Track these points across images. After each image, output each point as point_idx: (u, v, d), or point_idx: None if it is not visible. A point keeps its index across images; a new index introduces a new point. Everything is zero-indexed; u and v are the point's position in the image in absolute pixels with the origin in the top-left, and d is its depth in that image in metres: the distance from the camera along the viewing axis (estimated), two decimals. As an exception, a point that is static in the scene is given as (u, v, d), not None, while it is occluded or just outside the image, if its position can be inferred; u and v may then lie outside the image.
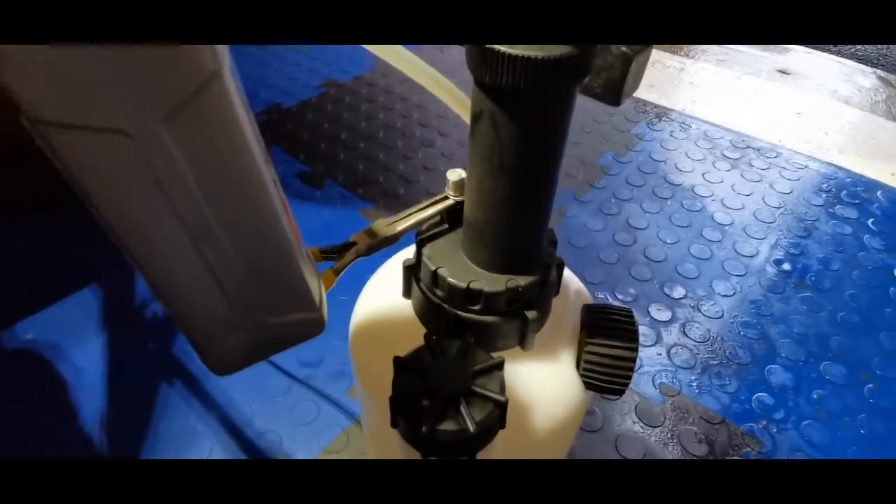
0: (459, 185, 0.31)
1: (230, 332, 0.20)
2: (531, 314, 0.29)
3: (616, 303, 0.64)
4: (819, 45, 1.29)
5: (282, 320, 0.21)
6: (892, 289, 0.67)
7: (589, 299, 0.40)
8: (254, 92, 1.00)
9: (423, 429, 0.23)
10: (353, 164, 0.83)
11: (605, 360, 0.33)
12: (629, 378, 0.33)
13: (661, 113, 0.99)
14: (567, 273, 0.41)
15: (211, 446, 0.51)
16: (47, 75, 0.13)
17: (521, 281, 0.29)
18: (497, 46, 0.20)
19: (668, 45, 1.24)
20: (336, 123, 0.92)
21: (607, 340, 0.33)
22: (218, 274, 0.18)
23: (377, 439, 0.38)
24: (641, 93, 1.05)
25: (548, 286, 0.31)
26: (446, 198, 0.31)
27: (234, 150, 0.15)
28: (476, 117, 0.23)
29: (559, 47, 0.20)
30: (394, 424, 0.25)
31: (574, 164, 0.84)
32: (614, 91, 0.29)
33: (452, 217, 0.31)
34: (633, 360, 0.33)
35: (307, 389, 0.55)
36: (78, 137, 0.13)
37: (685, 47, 1.23)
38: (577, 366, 0.34)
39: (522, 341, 0.31)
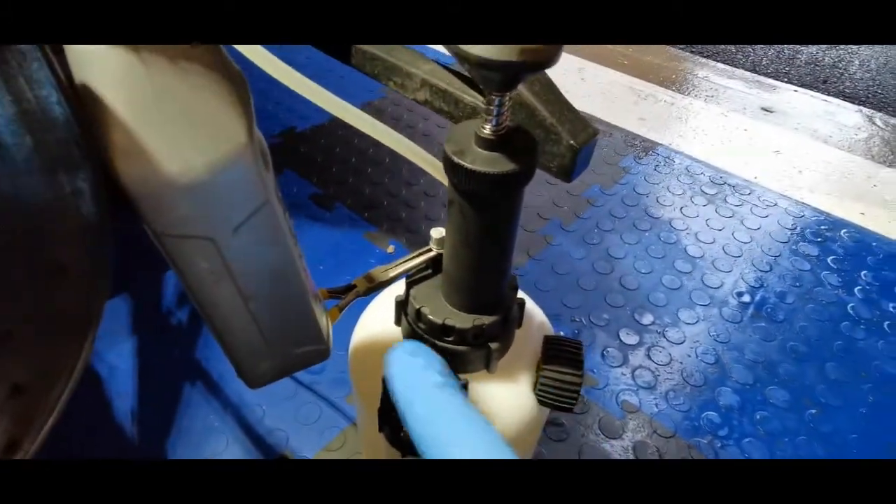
0: (440, 242, 0.39)
1: (263, 359, 0.28)
2: (494, 345, 0.37)
3: (592, 327, 0.71)
4: (807, 84, 1.36)
5: (300, 350, 0.29)
6: (843, 323, 0.74)
7: (550, 330, 0.47)
8: (273, 113, 1.09)
9: (402, 434, 0.31)
10: (361, 187, 0.92)
11: (555, 384, 0.41)
12: (576, 398, 0.41)
13: (649, 147, 1.06)
14: (533, 308, 0.49)
15: (227, 440, 0.59)
16: (165, 205, 0.21)
17: (486, 320, 0.36)
18: (460, 161, 0.28)
19: (661, 78, 1.31)
20: (346, 148, 1.00)
21: (559, 367, 0.41)
22: (258, 320, 0.26)
23: (369, 440, 0.46)
24: (632, 126, 1.13)
25: (509, 323, 0.39)
26: (430, 250, 0.39)
27: (277, 249, 0.23)
28: (450, 203, 0.31)
29: (509, 163, 0.28)
30: (381, 430, 0.33)
31: (562, 196, 0.92)
32: (565, 174, 0.37)
33: (435, 265, 0.39)
34: (579, 384, 0.41)
35: (311, 394, 0.63)
36: (181, 242, 0.21)
37: (677, 82, 1.31)
38: (535, 386, 0.42)
39: (488, 366, 0.39)
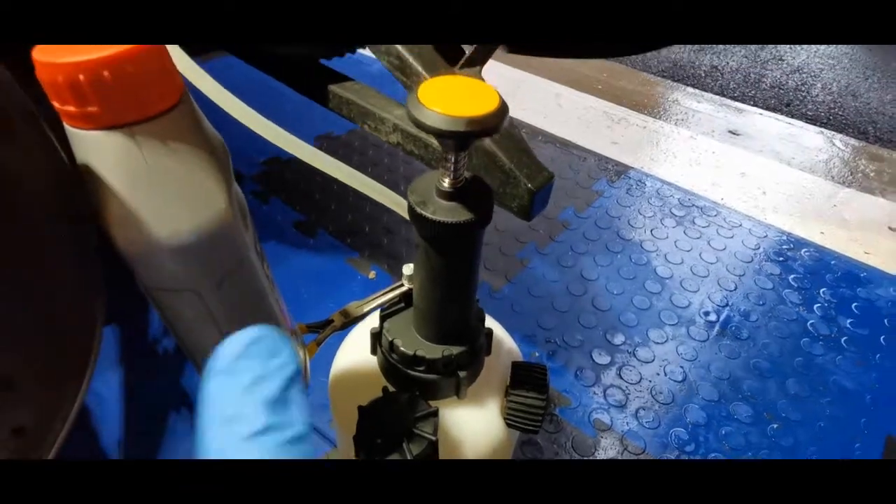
0: (411, 277, 0.42)
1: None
2: (463, 374, 0.40)
3: (566, 347, 0.75)
4: (772, 107, 1.42)
5: (278, 385, 0.32)
6: (803, 340, 0.78)
7: (518, 356, 0.50)
8: (260, 141, 1.11)
9: (376, 459, 0.33)
10: (343, 214, 0.94)
11: (521, 407, 0.43)
12: (540, 421, 0.44)
13: (621, 170, 1.11)
14: (502, 334, 0.52)
15: (213, 467, 0.60)
16: (156, 265, 0.23)
17: (454, 350, 0.39)
18: (422, 212, 0.31)
19: (634, 103, 1.37)
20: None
21: (524, 392, 0.44)
22: (239, 359, 0.28)
23: (348, 465, 0.49)
24: (605, 149, 1.18)
25: (476, 352, 0.41)
26: (402, 285, 0.42)
27: (255, 297, 0.26)
28: (417, 245, 0.34)
29: (466, 213, 0.31)
30: (357, 455, 0.36)
31: (538, 220, 0.96)
32: (524, 214, 0.41)
33: (407, 299, 0.42)
34: (543, 408, 0.43)
35: (295, 419, 0.65)
36: (169, 295, 0.24)
37: (649, 106, 1.36)
38: (503, 410, 0.45)
39: (458, 392, 0.42)
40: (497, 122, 0.27)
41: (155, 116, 0.21)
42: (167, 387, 0.68)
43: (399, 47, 0.41)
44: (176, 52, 0.36)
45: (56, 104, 0.20)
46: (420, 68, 0.40)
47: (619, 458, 0.62)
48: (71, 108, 0.20)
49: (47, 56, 0.19)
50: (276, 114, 1.21)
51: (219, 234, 0.23)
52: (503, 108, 0.27)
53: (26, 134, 0.19)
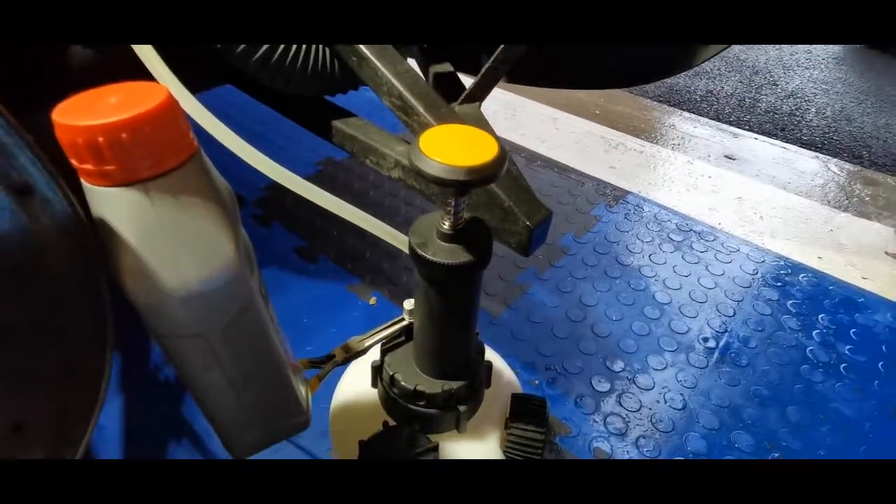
0: (412, 312, 0.42)
1: (248, 433, 0.31)
2: (462, 408, 0.41)
3: (566, 374, 0.75)
4: (767, 132, 1.45)
5: (281, 423, 0.32)
6: (803, 367, 0.78)
7: (518, 388, 0.51)
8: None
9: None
10: (344, 239, 0.95)
11: (520, 441, 0.44)
12: (540, 453, 0.44)
13: (619, 195, 1.12)
14: (502, 366, 0.52)
15: (212, 497, 0.60)
16: (165, 313, 0.24)
17: (454, 385, 0.40)
18: (423, 253, 0.31)
19: (631, 128, 1.39)
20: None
21: (524, 425, 0.44)
22: (243, 400, 0.29)
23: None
24: (603, 174, 1.19)
25: (476, 386, 0.42)
26: (403, 319, 0.43)
27: (259, 340, 0.27)
28: (417, 283, 0.35)
29: (465, 254, 0.32)
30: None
31: (537, 245, 0.96)
32: (523, 249, 0.41)
33: (408, 333, 0.43)
34: (542, 441, 0.44)
35: (296, 448, 0.65)
36: (178, 341, 0.25)
37: (646, 131, 1.38)
38: (502, 442, 0.45)
39: (458, 426, 0.42)
40: (496, 170, 0.28)
41: (168, 172, 0.22)
42: (167, 416, 0.68)
43: (400, 88, 0.43)
44: (180, 93, 0.37)
45: (74, 162, 0.21)
46: (421, 109, 0.42)
47: (620, 487, 0.62)
48: (89, 167, 0.21)
49: (67, 118, 0.20)
50: (279, 137, 1.23)
51: (226, 281, 0.24)
52: (502, 156, 0.28)
53: (46, 192, 0.20)
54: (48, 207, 0.20)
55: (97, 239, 0.22)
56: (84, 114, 0.21)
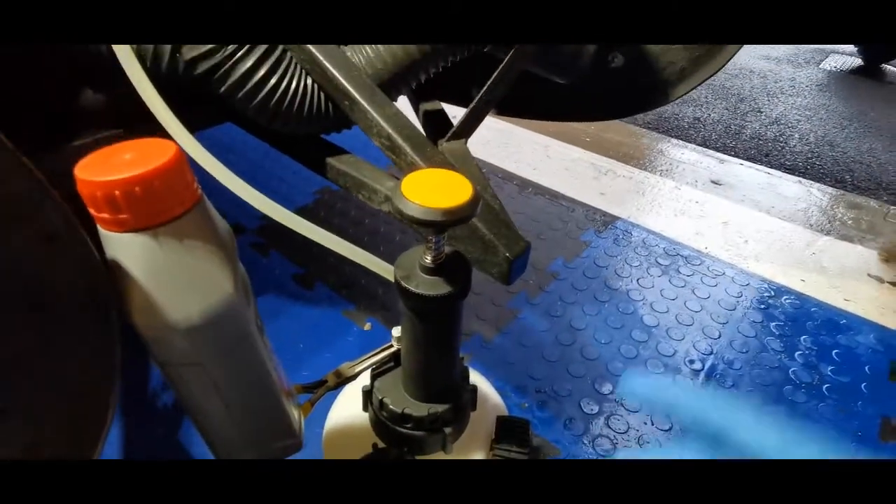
0: (400, 339, 0.45)
1: (242, 454, 0.33)
2: (448, 430, 0.43)
3: (556, 397, 0.77)
4: (752, 157, 1.49)
5: (275, 445, 0.35)
6: (786, 388, 0.80)
7: (504, 411, 0.53)
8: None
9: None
10: (340, 266, 0.98)
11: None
12: (523, 475, 0.46)
13: (608, 221, 1.15)
14: (488, 390, 0.54)
15: (208, 521, 0.62)
16: (169, 344, 0.27)
17: (439, 408, 0.42)
18: (406, 286, 0.34)
19: (620, 154, 1.43)
20: (327, 228, 1.07)
21: (507, 446, 0.46)
22: (239, 424, 0.31)
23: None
24: (593, 200, 1.23)
25: (461, 409, 0.44)
26: (391, 346, 0.45)
27: (254, 368, 0.29)
28: (402, 312, 0.38)
29: (446, 286, 0.35)
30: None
31: (529, 270, 0.99)
32: (503, 279, 0.44)
33: (397, 359, 0.45)
34: (525, 461, 0.46)
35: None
36: (180, 368, 0.27)
37: (635, 157, 1.42)
38: (488, 465, 0.47)
39: (444, 447, 0.44)
40: (470, 211, 0.31)
41: (174, 219, 0.25)
42: (166, 438, 0.70)
43: (389, 129, 0.46)
44: (181, 134, 0.40)
45: (93, 212, 0.24)
46: (408, 149, 0.45)
47: (608, 509, 0.63)
48: (106, 216, 0.24)
49: (87, 174, 0.24)
50: (278, 168, 1.26)
51: (224, 315, 0.26)
52: (476, 198, 0.31)
53: (66, 238, 0.23)
54: (69, 251, 0.23)
55: (110, 278, 0.25)
56: (102, 170, 0.24)
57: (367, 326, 0.86)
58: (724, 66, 0.68)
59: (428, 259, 0.34)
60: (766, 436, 0.72)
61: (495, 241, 0.43)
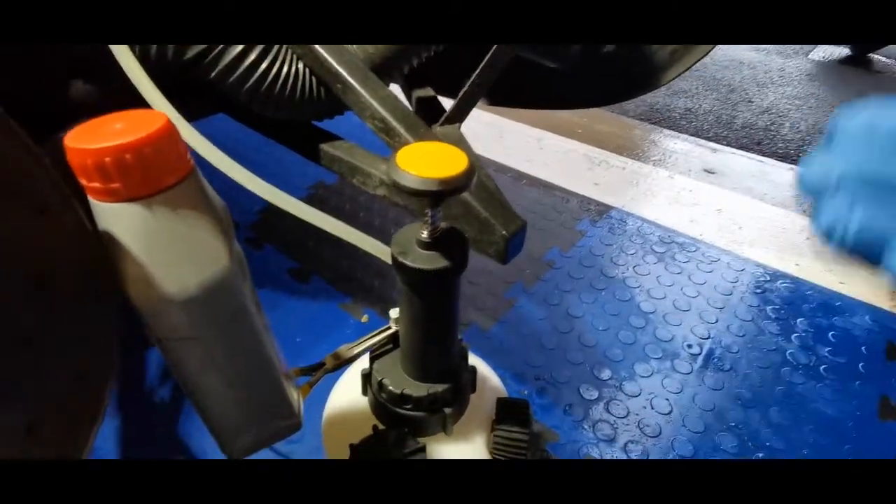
0: (398, 320, 0.44)
1: (243, 434, 0.33)
2: (448, 410, 0.42)
3: (555, 384, 0.77)
4: (744, 146, 1.50)
5: (274, 425, 0.34)
6: (784, 369, 0.80)
7: (503, 393, 0.53)
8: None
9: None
10: (336, 260, 0.98)
11: (505, 441, 0.46)
12: (524, 453, 0.46)
13: (603, 210, 1.16)
14: (488, 372, 0.54)
15: (208, 515, 0.61)
16: (165, 316, 0.26)
17: (439, 388, 0.42)
18: (403, 261, 0.34)
19: (614, 146, 1.44)
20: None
21: (508, 426, 0.46)
22: (237, 402, 0.31)
23: None
24: (587, 191, 1.23)
25: (461, 389, 0.44)
26: (390, 327, 0.45)
27: (252, 343, 0.29)
28: (400, 290, 0.37)
29: (443, 260, 0.34)
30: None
31: (524, 260, 0.99)
32: (500, 257, 0.44)
33: (395, 340, 0.45)
34: (526, 441, 0.46)
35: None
36: (177, 343, 0.27)
37: (628, 148, 1.43)
38: (489, 444, 0.47)
39: (444, 428, 0.44)
40: (466, 181, 0.30)
41: (167, 188, 0.25)
42: (164, 434, 0.69)
43: (382, 112, 0.46)
44: (176, 119, 0.40)
45: (83, 182, 0.23)
46: (402, 130, 0.45)
47: (610, 492, 0.63)
48: (97, 185, 0.23)
49: (77, 142, 0.23)
50: (271, 163, 1.26)
51: (221, 287, 0.26)
52: (471, 169, 0.31)
53: (59, 209, 0.23)
54: (63, 224, 0.23)
55: (104, 251, 0.24)
56: (92, 138, 0.23)
57: (365, 319, 0.86)
58: (713, 48, 0.68)
59: (424, 234, 0.34)
60: (765, 417, 0.73)
61: (491, 219, 0.43)
